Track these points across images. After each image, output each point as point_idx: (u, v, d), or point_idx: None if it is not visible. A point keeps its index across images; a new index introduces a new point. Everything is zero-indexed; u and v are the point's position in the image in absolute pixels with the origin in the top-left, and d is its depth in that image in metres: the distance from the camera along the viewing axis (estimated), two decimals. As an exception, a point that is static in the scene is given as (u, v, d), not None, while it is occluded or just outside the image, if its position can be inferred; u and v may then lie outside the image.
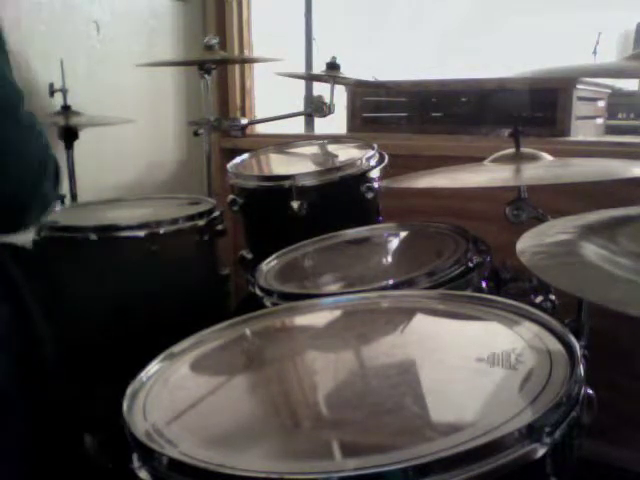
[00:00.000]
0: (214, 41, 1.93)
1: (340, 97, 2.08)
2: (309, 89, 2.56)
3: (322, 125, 2.30)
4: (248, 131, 2.14)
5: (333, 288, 1.24)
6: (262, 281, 1.25)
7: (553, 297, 1.20)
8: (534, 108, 1.92)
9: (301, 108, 2.06)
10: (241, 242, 1.76)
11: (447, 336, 0.92)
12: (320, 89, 2.01)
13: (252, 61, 2.49)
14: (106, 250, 1.47)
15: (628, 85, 2.35)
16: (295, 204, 1.50)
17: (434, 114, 2.09)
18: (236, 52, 2.39)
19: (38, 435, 0.96)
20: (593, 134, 2.04)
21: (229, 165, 1.72)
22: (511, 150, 1.31)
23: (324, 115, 1.89)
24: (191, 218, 1.55)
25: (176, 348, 0.92)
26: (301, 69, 2.62)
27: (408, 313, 0.99)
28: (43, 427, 0.96)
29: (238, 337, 0.98)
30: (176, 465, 0.64)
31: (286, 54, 2.36)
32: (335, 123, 2.14)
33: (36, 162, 0.86)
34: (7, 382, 0.91)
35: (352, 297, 1.06)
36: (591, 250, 0.82)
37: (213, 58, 1.96)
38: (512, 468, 0.60)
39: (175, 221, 1.52)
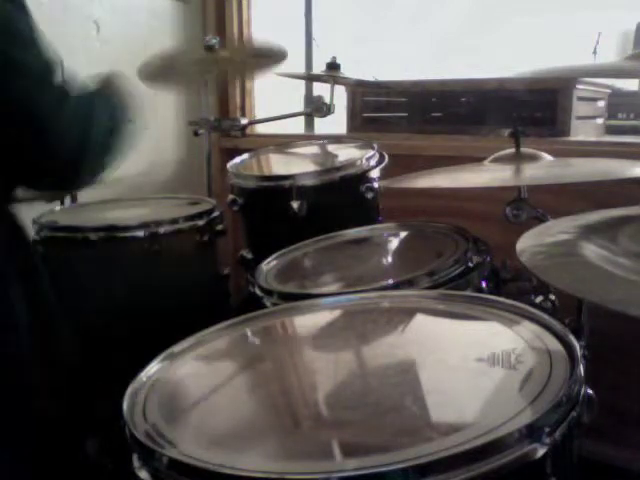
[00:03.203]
0: (214, 41, 1.93)
1: (340, 97, 2.07)
2: (309, 89, 2.55)
3: (322, 125, 2.29)
4: (248, 131, 2.14)
5: (333, 288, 1.24)
6: (262, 281, 1.25)
7: (553, 297, 1.20)
8: (534, 108, 1.91)
9: (301, 108, 2.06)
10: (241, 242, 1.76)
11: (447, 336, 0.92)
12: (320, 89, 2.01)
13: (252, 61, 2.49)
14: (106, 250, 1.46)
15: (628, 85, 2.34)
16: (295, 204, 1.50)
17: (434, 114, 2.09)
18: (236, 52, 2.39)
19: (38, 435, 0.96)
20: (593, 134, 2.04)
21: (229, 165, 1.72)
22: (511, 150, 1.31)
23: (324, 115, 1.89)
24: (191, 218, 1.55)
25: (176, 348, 0.92)
26: (301, 69, 2.62)
27: (408, 313, 0.99)
28: (43, 427, 0.96)
29: (238, 337, 0.98)
30: (176, 465, 0.64)
31: (286, 54, 2.36)
32: (335, 123, 2.14)
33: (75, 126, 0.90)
34: (7, 382, 0.91)
35: (352, 297, 1.06)
36: (591, 250, 0.82)
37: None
38: (512, 468, 0.60)
39: (175, 221, 1.52)
